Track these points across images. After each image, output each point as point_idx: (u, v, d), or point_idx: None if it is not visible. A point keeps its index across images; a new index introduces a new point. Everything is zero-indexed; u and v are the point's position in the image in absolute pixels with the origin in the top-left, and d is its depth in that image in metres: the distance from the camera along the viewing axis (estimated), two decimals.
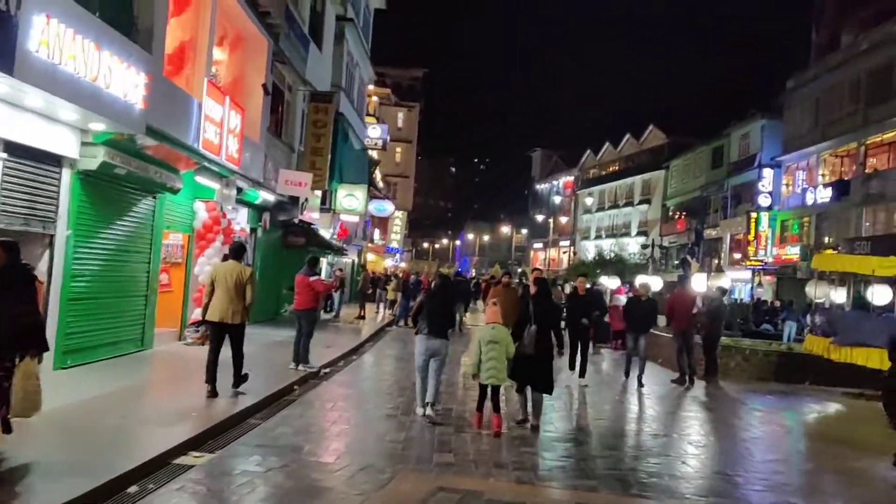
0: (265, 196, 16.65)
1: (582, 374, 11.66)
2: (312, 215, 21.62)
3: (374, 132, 35.24)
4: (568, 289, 21.49)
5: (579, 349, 11.86)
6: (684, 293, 13.27)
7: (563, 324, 10.51)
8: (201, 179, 12.72)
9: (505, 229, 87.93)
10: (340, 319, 21.82)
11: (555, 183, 73.17)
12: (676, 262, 44.38)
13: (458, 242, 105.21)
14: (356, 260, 34.85)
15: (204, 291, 8.94)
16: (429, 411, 8.12)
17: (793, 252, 34.92)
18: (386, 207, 36.46)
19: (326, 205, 24.08)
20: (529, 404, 8.09)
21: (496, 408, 7.67)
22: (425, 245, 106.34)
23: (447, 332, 8.47)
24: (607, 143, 63.38)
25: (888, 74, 28.89)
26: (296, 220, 19.14)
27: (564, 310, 12.24)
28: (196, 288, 12.73)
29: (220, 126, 12.43)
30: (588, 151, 66.84)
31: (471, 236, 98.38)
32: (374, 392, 10.43)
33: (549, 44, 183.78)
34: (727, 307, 17.76)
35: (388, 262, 47.55)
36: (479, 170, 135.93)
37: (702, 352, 13.26)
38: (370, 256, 43.40)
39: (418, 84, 67.88)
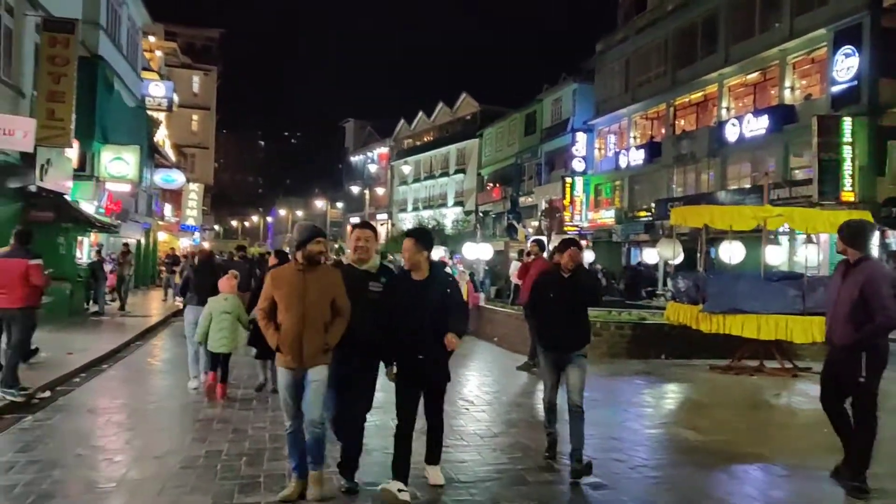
0: None
1: (434, 458, 5.16)
2: (65, 183, 17.08)
3: (158, 90, 30.12)
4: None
5: (428, 410, 5.07)
6: (541, 259, 10.25)
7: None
8: None
9: (319, 204, 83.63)
10: (107, 314, 17.70)
11: (369, 154, 70.42)
12: (491, 231, 43.46)
13: (269, 219, 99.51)
14: (141, 240, 29.86)
15: None
16: (195, 384, 8.36)
17: (607, 216, 34.94)
18: (175, 178, 31.43)
19: (87, 171, 19.41)
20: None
21: (224, 376, 8.03)
22: (234, 223, 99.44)
23: None
24: (420, 113, 61.55)
25: (693, 35, 29.10)
26: (32, 188, 14.65)
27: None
28: None
29: None
30: (402, 121, 64.69)
31: (283, 212, 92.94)
32: (108, 432, 6.96)
33: (357, 10, 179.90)
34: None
35: (184, 242, 42.23)
36: (289, 143, 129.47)
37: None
38: (162, 235, 38.10)
39: (215, 45, 61.69)
